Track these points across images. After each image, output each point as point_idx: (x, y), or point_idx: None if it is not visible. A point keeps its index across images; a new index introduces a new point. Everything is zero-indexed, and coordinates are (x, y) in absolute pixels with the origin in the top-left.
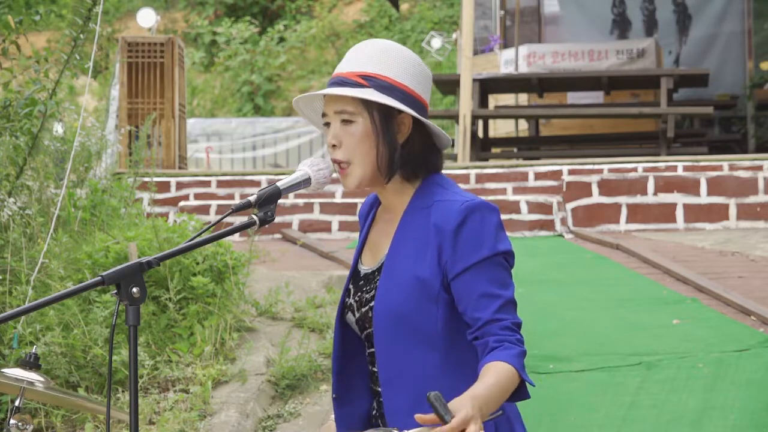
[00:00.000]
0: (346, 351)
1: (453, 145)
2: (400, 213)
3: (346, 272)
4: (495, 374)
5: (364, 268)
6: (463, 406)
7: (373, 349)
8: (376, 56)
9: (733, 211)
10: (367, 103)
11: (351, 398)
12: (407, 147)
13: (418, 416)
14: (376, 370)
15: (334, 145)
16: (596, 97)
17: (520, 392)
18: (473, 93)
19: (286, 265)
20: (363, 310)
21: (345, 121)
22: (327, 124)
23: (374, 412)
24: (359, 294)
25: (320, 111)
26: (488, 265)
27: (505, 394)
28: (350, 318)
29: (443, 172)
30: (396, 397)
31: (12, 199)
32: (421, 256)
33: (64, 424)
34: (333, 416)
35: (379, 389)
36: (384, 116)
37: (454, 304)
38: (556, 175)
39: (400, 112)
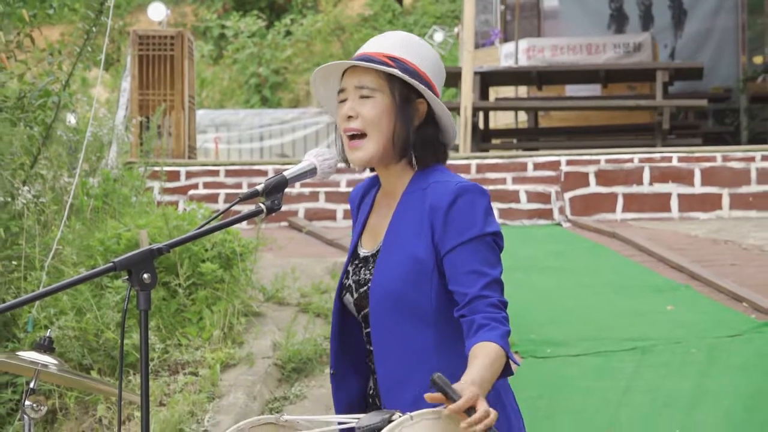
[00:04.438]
0: (344, 330)
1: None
2: (399, 196)
3: None
4: (487, 356)
5: (364, 250)
6: (466, 387)
7: (369, 329)
8: (403, 43)
9: (726, 201)
10: (390, 81)
11: (348, 376)
12: (421, 132)
13: (427, 396)
14: (372, 349)
15: (350, 117)
16: (594, 89)
17: (505, 370)
18: (474, 85)
19: (292, 252)
20: (361, 290)
21: (363, 97)
22: (342, 102)
23: (370, 391)
24: (357, 275)
25: (336, 89)
26: (477, 244)
27: (497, 373)
28: (348, 299)
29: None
30: (390, 373)
31: (26, 188)
32: (417, 235)
33: (78, 405)
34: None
35: (374, 366)
36: (404, 97)
37: (443, 281)
38: (554, 165)
39: (418, 97)
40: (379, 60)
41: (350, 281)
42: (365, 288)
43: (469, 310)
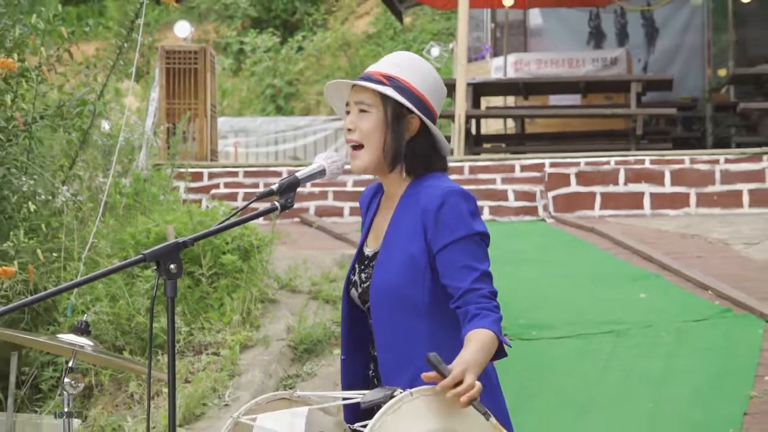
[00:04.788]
0: (352, 320)
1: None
2: (397, 199)
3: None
4: (479, 341)
5: (368, 249)
6: (457, 365)
7: (372, 320)
8: (402, 63)
9: (693, 200)
10: (384, 99)
11: (355, 360)
12: (411, 144)
13: (424, 375)
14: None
15: (350, 129)
16: (574, 99)
17: (499, 352)
18: (467, 95)
19: (304, 245)
20: (364, 286)
21: (362, 111)
22: (347, 114)
23: (371, 373)
24: (363, 272)
25: (345, 100)
26: (466, 242)
27: (488, 356)
28: (353, 293)
29: None
30: (388, 360)
31: (66, 187)
32: (412, 236)
33: (111, 382)
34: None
35: (376, 354)
36: (396, 113)
37: (436, 278)
38: (539, 167)
39: (410, 112)
40: (376, 79)
41: (356, 277)
42: (367, 284)
43: (462, 302)
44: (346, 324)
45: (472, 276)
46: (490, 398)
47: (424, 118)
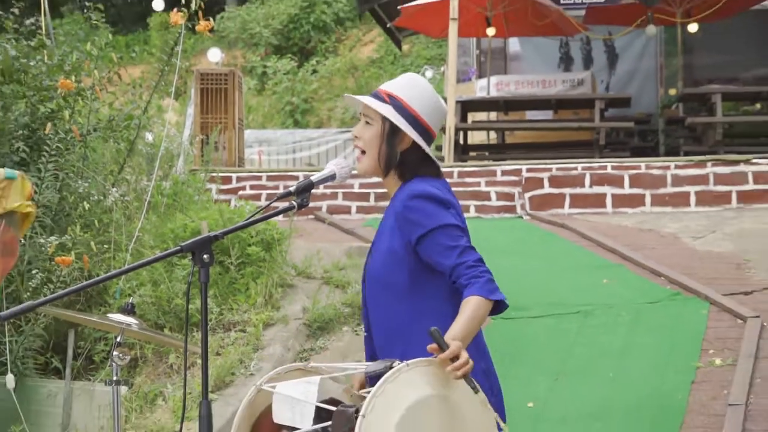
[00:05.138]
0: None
1: (441, 151)
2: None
3: (363, 244)
4: (467, 310)
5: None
6: (451, 342)
7: None
8: (406, 85)
9: (648, 199)
10: (383, 115)
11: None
12: (404, 155)
13: (429, 347)
14: None
15: (356, 137)
16: (547, 114)
17: (499, 307)
18: (456, 111)
19: (317, 238)
20: (365, 275)
21: (367, 123)
22: (358, 123)
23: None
24: (367, 261)
25: (360, 110)
26: (438, 231)
27: (480, 320)
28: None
29: None
30: (380, 338)
31: (115, 189)
32: (392, 230)
33: (154, 355)
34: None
35: None
36: (392, 128)
37: (416, 266)
38: (517, 172)
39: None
40: (381, 97)
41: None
42: (365, 271)
43: (455, 277)
44: (364, 305)
45: (455, 252)
46: (488, 382)
47: (415, 135)
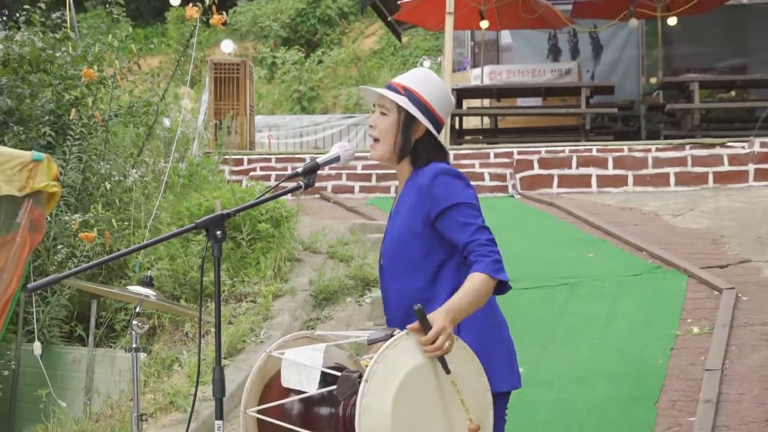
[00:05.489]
0: None
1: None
2: (404, 182)
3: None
4: (468, 285)
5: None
6: (437, 318)
7: None
8: (419, 78)
9: (630, 180)
10: (399, 106)
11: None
12: (417, 143)
13: (410, 326)
14: None
15: (371, 126)
16: (537, 101)
17: (503, 287)
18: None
19: (323, 216)
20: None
21: (382, 113)
22: (373, 112)
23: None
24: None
25: (374, 101)
26: (459, 207)
27: (481, 296)
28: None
29: None
30: (395, 306)
31: (135, 170)
32: (414, 209)
33: (171, 324)
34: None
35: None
36: (407, 118)
37: (432, 240)
38: (508, 155)
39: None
40: (396, 89)
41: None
42: (382, 247)
43: (467, 252)
44: (383, 291)
45: (470, 230)
46: (495, 334)
47: (429, 125)
